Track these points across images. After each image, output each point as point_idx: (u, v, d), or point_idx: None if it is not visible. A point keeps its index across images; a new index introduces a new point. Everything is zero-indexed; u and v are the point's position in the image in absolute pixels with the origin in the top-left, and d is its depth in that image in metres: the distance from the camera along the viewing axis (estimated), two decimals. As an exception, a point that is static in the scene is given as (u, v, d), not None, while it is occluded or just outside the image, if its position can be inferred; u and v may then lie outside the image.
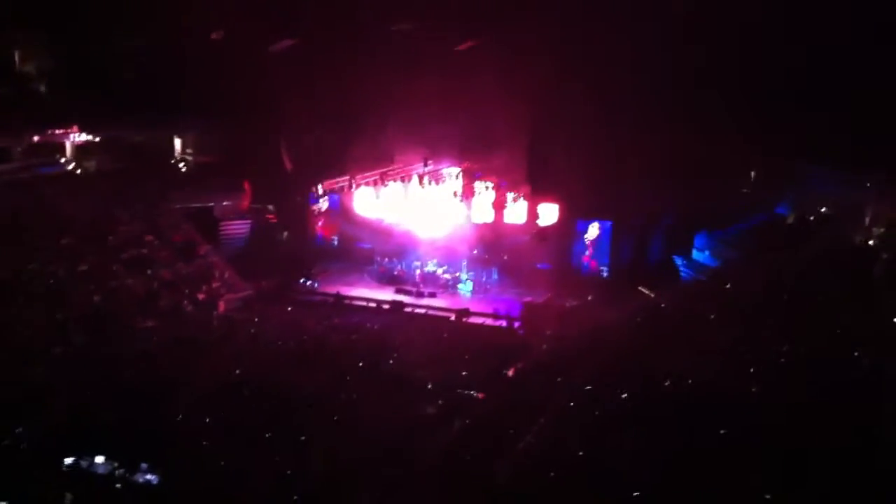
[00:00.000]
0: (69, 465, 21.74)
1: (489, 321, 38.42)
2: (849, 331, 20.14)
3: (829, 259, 27.84)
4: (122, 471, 21.64)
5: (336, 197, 46.56)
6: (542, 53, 40.37)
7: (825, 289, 24.17)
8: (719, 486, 15.15)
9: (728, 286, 30.48)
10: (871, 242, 33.20)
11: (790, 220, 38.98)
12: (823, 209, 37.66)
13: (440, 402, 27.27)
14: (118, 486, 21.29)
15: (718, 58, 37.31)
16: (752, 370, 20.00)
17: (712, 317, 26.15)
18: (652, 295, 36.47)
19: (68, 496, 20.46)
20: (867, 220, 34.56)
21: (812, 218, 37.81)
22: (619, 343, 27.54)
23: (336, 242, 47.86)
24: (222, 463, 22.34)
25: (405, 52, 45.06)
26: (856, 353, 19.29)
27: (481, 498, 18.82)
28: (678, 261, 39.51)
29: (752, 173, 42.32)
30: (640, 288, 38.09)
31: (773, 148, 38.60)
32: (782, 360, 20.13)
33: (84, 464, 21.79)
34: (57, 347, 30.77)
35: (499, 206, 43.65)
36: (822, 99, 35.35)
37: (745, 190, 42.60)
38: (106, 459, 21.79)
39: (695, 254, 39.41)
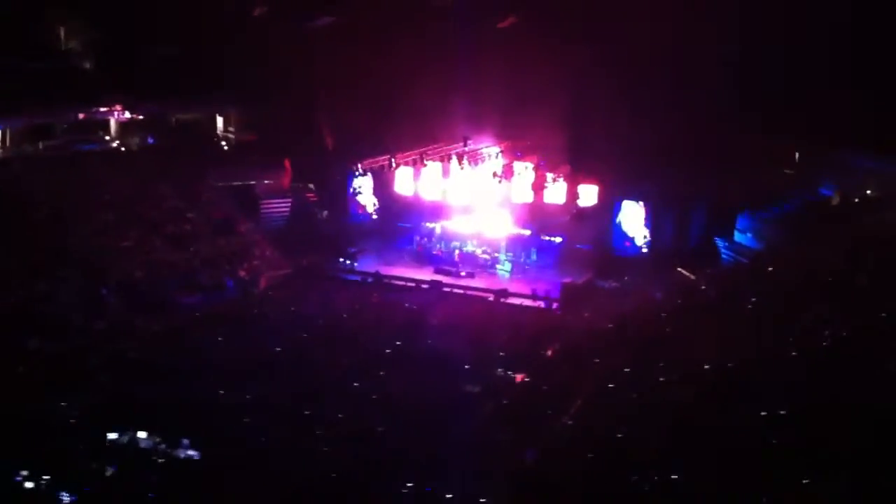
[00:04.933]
0: (112, 440, 22.13)
1: (528, 302, 38.31)
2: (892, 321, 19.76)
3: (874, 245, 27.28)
4: (164, 446, 22.01)
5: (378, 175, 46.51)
6: (585, 35, 40.15)
7: (869, 277, 23.71)
8: (753, 476, 15.03)
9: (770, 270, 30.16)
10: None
11: (835, 201, 38.24)
12: (869, 191, 36.88)
13: (478, 383, 27.35)
14: (160, 460, 21.68)
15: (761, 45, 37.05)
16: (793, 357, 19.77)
17: (754, 300, 25.91)
18: (692, 277, 36.14)
19: (109, 469, 20.89)
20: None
21: (857, 200, 37.04)
22: (656, 327, 27.45)
23: (375, 220, 47.81)
24: (262, 439, 22.68)
25: (446, 28, 44.94)
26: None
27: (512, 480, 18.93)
28: (720, 242, 39.04)
29: (797, 153, 41.62)
30: (680, 269, 37.75)
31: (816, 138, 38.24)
32: (824, 346, 19.85)
33: (127, 438, 22.18)
34: (99, 323, 31.24)
35: (538, 186, 43.28)
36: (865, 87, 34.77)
37: (788, 171, 41.91)
38: (148, 435, 22.16)
39: (737, 235, 38.85)
